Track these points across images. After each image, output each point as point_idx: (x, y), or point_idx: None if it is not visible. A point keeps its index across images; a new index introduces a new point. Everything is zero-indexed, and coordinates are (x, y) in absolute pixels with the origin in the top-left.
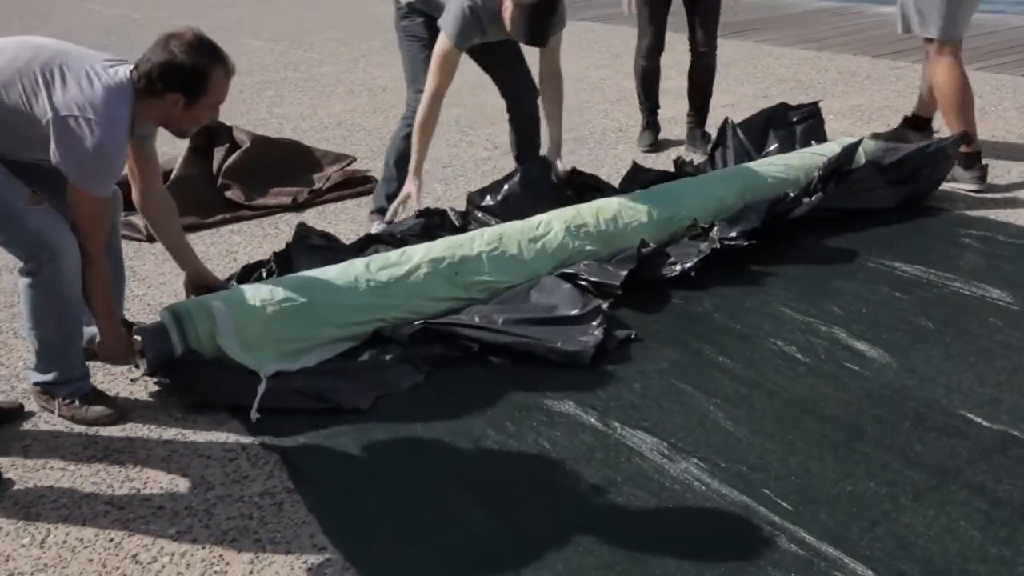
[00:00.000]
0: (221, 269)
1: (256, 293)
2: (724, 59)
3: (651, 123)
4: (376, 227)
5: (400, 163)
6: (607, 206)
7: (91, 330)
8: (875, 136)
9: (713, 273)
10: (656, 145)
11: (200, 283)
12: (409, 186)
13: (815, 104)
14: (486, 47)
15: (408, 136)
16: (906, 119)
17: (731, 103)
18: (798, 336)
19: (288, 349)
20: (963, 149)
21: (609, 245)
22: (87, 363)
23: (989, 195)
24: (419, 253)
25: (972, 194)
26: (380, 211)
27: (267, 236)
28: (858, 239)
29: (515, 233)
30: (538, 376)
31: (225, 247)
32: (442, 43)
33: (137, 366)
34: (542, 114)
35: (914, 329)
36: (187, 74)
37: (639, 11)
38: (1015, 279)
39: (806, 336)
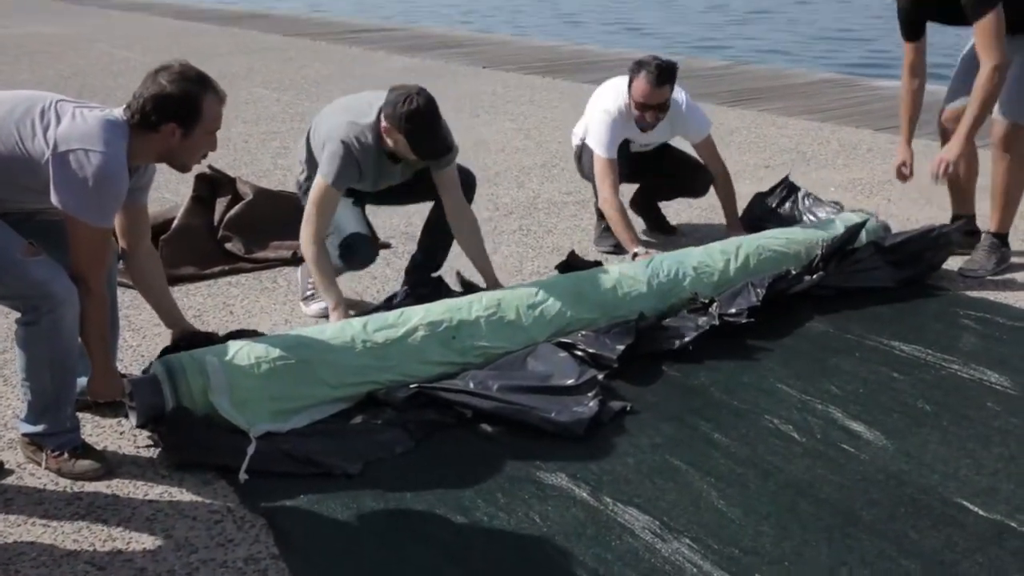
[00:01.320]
0: (217, 322)
1: (251, 350)
2: (728, 127)
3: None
4: (313, 308)
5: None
6: (607, 276)
7: (83, 381)
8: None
9: (711, 346)
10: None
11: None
12: (333, 316)
13: (785, 179)
14: (400, 189)
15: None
16: (954, 220)
17: (733, 172)
18: (795, 414)
19: (280, 408)
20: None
21: (608, 314)
22: (78, 415)
23: (988, 278)
24: (417, 315)
25: (975, 276)
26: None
27: (264, 290)
28: (856, 317)
29: (514, 299)
30: (531, 446)
31: (222, 299)
32: (318, 184)
33: (126, 403)
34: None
35: (911, 411)
36: (179, 103)
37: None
38: (1014, 363)
39: (803, 414)
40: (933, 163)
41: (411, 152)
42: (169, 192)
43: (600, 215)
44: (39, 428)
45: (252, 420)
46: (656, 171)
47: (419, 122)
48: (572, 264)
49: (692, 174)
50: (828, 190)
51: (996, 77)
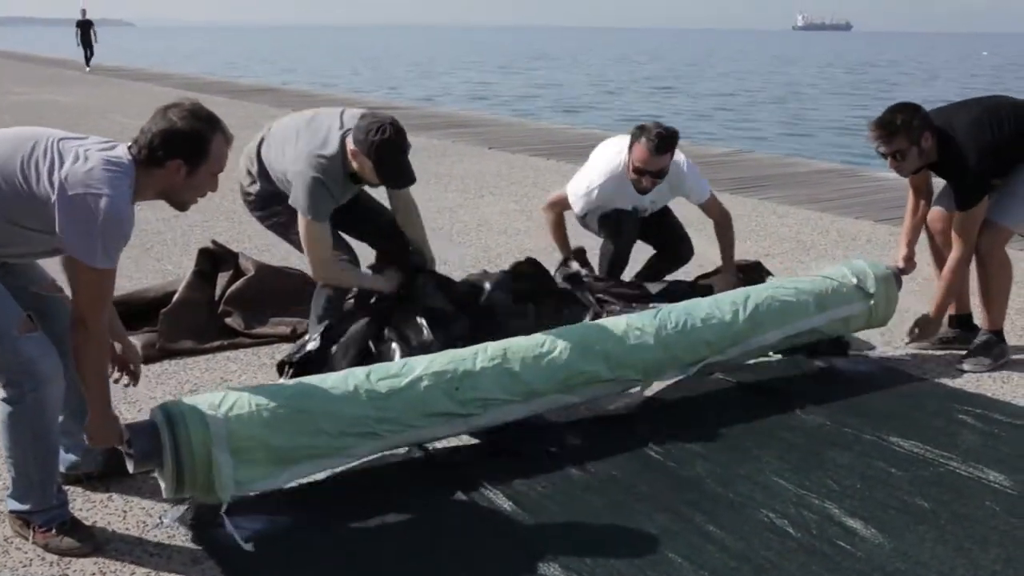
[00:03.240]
0: None
1: (252, 398)
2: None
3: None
4: None
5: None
6: (614, 325)
7: (68, 458)
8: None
9: (706, 436)
10: None
11: None
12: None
13: (756, 264)
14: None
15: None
16: (951, 319)
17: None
18: (790, 509)
19: (278, 458)
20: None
21: (613, 365)
22: (66, 489)
23: (986, 374)
24: (421, 365)
25: (974, 371)
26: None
27: (263, 365)
28: (854, 410)
29: (519, 350)
30: (526, 533)
31: (220, 374)
32: (303, 223)
33: (123, 449)
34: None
35: (909, 508)
36: (187, 140)
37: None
38: (1013, 462)
39: (798, 509)
40: (912, 328)
41: (375, 177)
42: (171, 264)
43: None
44: (26, 506)
45: (247, 475)
46: (645, 236)
47: (388, 152)
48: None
49: (677, 244)
50: None
51: (964, 268)
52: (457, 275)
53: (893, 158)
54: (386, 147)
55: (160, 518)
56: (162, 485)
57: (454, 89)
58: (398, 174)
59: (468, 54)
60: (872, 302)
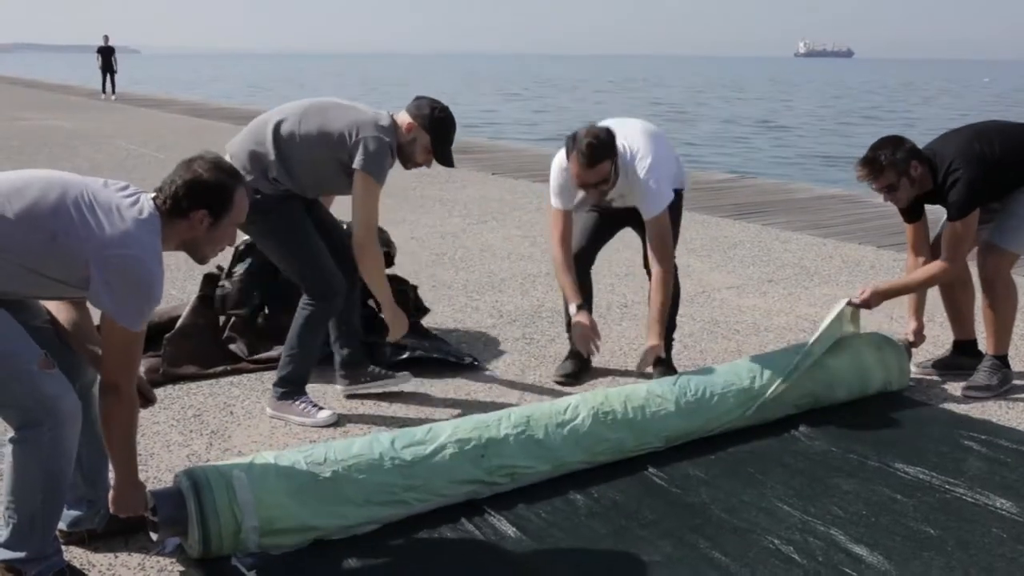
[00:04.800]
0: (217, 421)
1: (278, 467)
2: (732, 240)
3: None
4: (321, 416)
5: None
6: (635, 393)
7: (70, 513)
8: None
9: (710, 463)
10: (576, 376)
11: None
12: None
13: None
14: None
15: (311, 316)
16: (956, 345)
17: (735, 285)
18: (796, 535)
19: (304, 528)
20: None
21: (636, 434)
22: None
23: (991, 399)
24: (445, 432)
25: (977, 395)
26: (295, 392)
27: (266, 391)
28: (858, 437)
29: (542, 416)
30: (530, 559)
31: (223, 399)
32: (365, 181)
33: (147, 516)
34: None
35: (915, 535)
36: (213, 191)
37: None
38: (1020, 488)
39: (804, 535)
40: (861, 289)
41: (426, 152)
42: (176, 289)
43: (569, 327)
44: (20, 554)
45: (271, 542)
46: (636, 223)
47: (447, 128)
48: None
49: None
50: (831, 306)
51: (945, 276)
52: (460, 300)
53: (886, 192)
54: (447, 123)
55: (163, 546)
56: (185, 546)
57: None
58: (449, 149)
59: (466, 80)
60: (889, 379)
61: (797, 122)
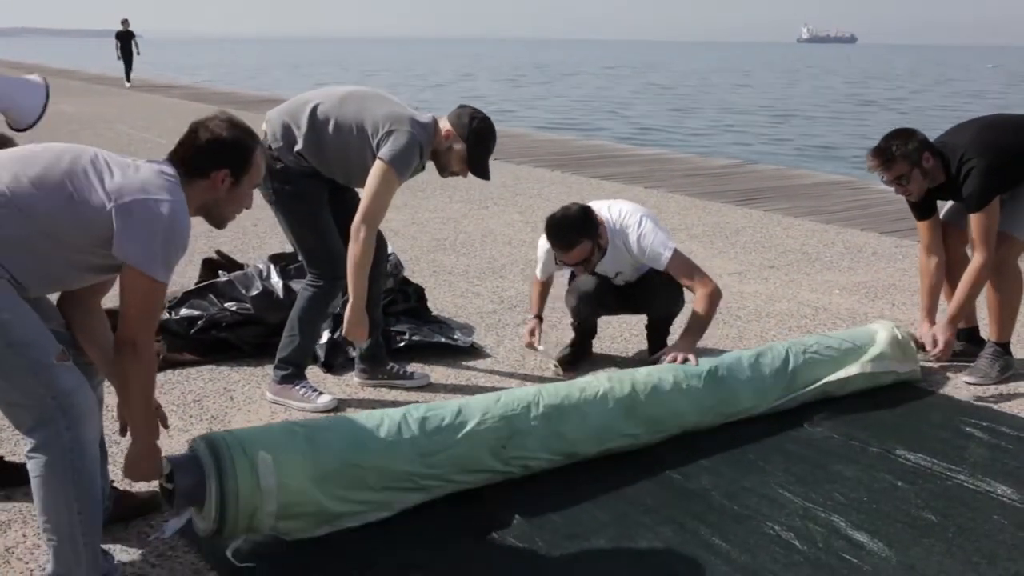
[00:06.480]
0: (217, 407)
1: (305, 448)
2: (735, 226)
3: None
4: (321, 401)
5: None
6: (660, 387)
7: None
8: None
9: (711, 450)
10: (573, 362)
11: None
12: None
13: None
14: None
15: (313, 297)
16: (958, 332)
17: (737, 271)
18: (796, 522)
19: (323, 516)
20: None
21: (656, 432)
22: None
23: (992, 387)
24: (474, 419)
25: (976, 384)
26: (295, 375)
27: (266, 376)
28: (860, 423)
29: (570, 408)
30: (531, 545)
31: (223, 384)
32: (383, 171)
33: (161, 483)
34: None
35: (916, 522)
36: (233, 149)
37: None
38: (1021, 475)
39: (804, 522)
40: (931, 345)
41: (461, 162)
42: (176, 275)
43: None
44: None
45: (287, 527)
46: (634, 305)
47: (485, 139)
48: None
49: (648, 304)
50: (833, 292)
51: (984, 273)
52: (461, 286)
53: (898, 183)
54: (485, 135)
55: (161, 530)
56: (194, 523)
57: (452, 101)
58: (486, 164)
59: (467, 65)
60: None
61: (801, 107)
